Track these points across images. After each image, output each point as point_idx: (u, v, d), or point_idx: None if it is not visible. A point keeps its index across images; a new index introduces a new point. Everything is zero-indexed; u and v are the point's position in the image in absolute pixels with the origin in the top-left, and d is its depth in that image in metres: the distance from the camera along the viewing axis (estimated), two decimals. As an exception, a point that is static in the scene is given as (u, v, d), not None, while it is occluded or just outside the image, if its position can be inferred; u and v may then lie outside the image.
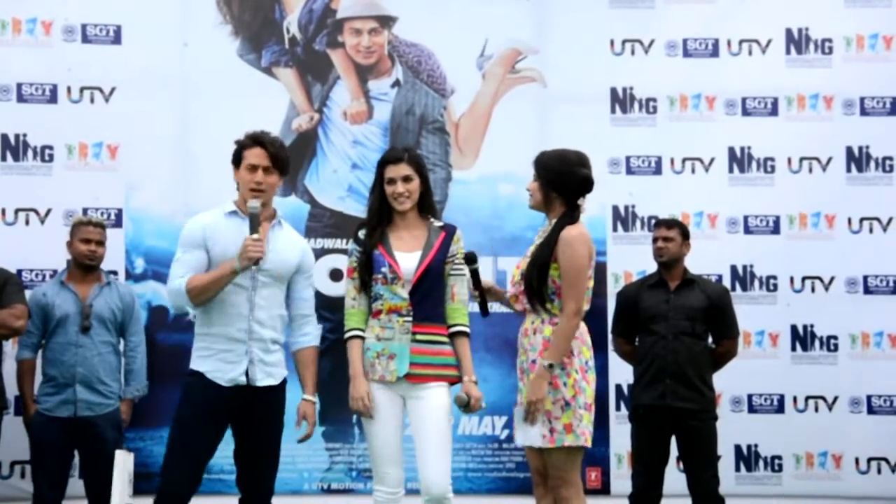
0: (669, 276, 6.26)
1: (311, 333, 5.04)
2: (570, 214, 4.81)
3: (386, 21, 7.03)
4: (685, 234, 6.32)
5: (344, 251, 6.59)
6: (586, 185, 4.85)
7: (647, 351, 6.19)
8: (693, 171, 7.07)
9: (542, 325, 4.80)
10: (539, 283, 4.76)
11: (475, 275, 4.94)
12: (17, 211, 6.66)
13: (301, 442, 4.99)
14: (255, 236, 4.74)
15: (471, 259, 4.94)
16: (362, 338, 4.89)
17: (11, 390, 6.05)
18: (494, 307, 6.68)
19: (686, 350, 6.11)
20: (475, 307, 4.98)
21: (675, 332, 6.12)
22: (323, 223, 6.84)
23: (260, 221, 4.79)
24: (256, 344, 4.86)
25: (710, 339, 6.28)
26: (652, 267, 6.45)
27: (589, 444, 4.76)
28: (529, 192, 4.90)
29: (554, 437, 4.71)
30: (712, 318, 6.22)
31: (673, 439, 6.20)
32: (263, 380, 4.87)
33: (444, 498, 4.74)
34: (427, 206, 4.96)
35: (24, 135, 6.71)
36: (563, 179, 4.81)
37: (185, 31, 6.90)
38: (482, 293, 4.96)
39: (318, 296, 6.49)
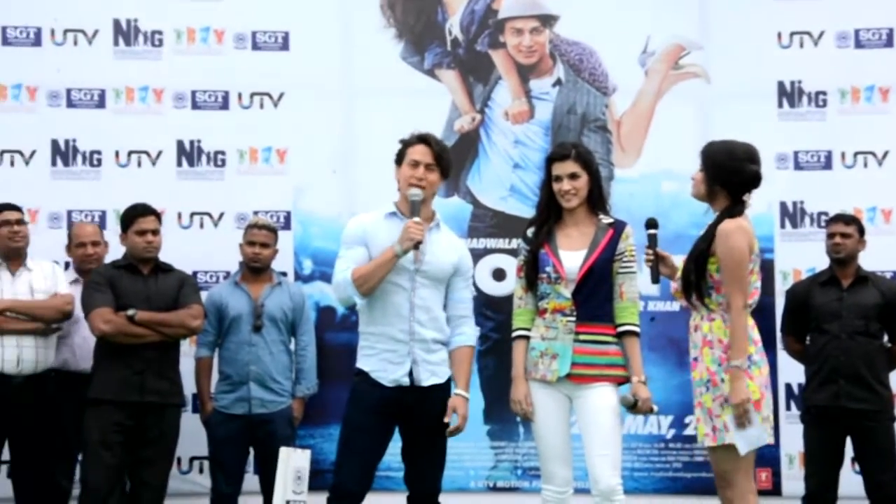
0: (843, 274, 6.10)
1: (466, 333, 5.04)
2: (732, 209, 4.73)
3: (547, 20, 7.02)
4: (862, 231, 6.18)
5: (506, 251, 6.66)
6: (754, 181, 4.77)
7: (820, 350, 6.05)
8: (865, 165, 6.89)
9: (701, 322, 4.74)
10: (697, 276, 4.70)
11: (652, 239, 4.92)
12: (191, 214, 6.87)
13: (451, 436, 4.94)
14: (416, 220, 4.79)
15: (651, 224, 4.94)
16: (528, 338, 4.90)
17: (189, 388, 6.25)
18: (658, 305, 6.70)
19: (860, 349, 5.96)
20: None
21: (848, 332, 5.98)
22: (485, 223, 6.88)
23: (420, 208, 4.85)
24: (418, 345, 4.90)
25: (885, 338, 6.10)
26: (821, 264, 6.31)
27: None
28: (693, 180, 4.84)
29: (716, 436, 4.66)
30: (888, 317, 6.06)
31: (848, 441, 6.05)
32: (428, 379, 4.91)
33: (612, 492, 4.70)
34: (596, 202, 4.93)
35: (199, 141, 6.91)
36: (729, 174, 4.73)
37: (350, 35, 7.02)
38: (656, 259, 4.91)
39: (482, 295, 6.61)
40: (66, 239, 6.47)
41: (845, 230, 6.13)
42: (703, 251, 4.70)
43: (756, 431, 4.62)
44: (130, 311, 5.74)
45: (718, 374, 4.66)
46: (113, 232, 6.43)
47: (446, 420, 4.90)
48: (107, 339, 5.76)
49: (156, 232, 5.93)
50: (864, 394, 5.95)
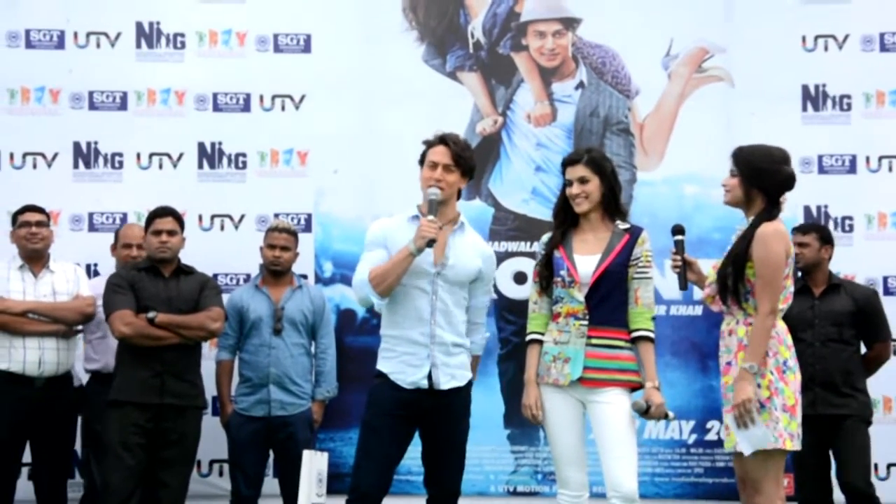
0: (813, 282, 6.11)
1: (476, 342, 5.06)
2: (770, 211, 4.72)
3: (570, 23, 7.00)
4: (824, 239, 6.16)
5: (527, 254, 6.64)
6: (790, 183, 4.77)
7: None
8: (890, 169, 6.85)
9: (736, 327, 4.71)
10: (735, 280, 4.66)
11: (680, 245, 4.90)
12: (212, 217, 6.87)
13: None
14: (431, 218, 4.78)
15: (678, 230, 4.93)
16: (541, 342, 4.88)
17: (209, 391, 6.23)
18: (680, 309, 6.68)
19: (834, 357, 5.98)
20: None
21: (822, 339, 5.99)
22: (507, 226, 6.86)
23: (438, 208, 4.83)
24: (438, 348, 4.88)
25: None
26: (844, 268, 6.34)
27: (789, 447, 4.65)
28: (726, 187, 4.80)
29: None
30: (861, 323, 6.07)
31: None
32: (447, 383, 4.89)
33: (633, 496, 4.67)
34: (612, 207, 4.91)
35: (220, 143, 6.92)
36: (767, 177, 4.73)
37: (372, 38, 7.01)
38: (684, 265, 4.89)
39: (502, 299, 6.61)
40: (113, 239, 6.48)
41: (802, 240, 6.11)
42: (741, 254, 4.67)
43: (760, 431, 4.58)
44: (151, 314, 5.74)
45: (755, 378, 4.62)
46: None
47: None
48: (127, 341, 5.77)
49: (172, 233, 5.92)
50: (839, 400, 5.96)
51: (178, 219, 6.00)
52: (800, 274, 6.17)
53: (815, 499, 6.05)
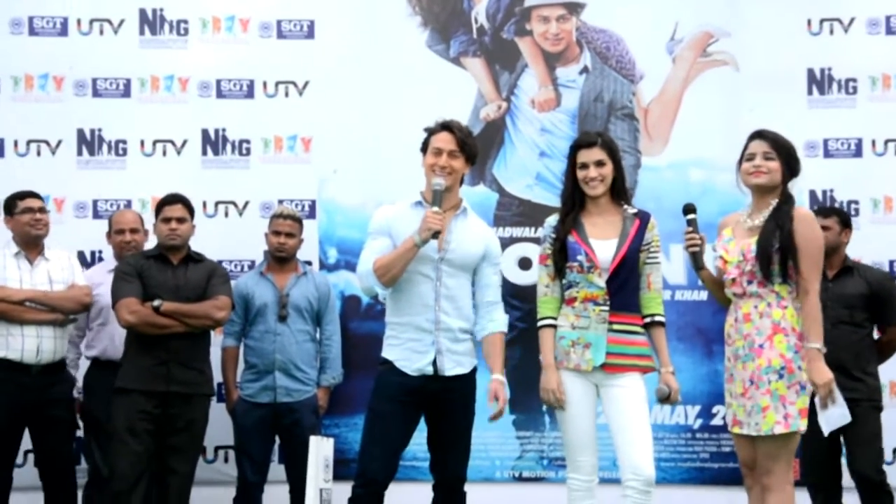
0: (828, 265, 6.04)
1: (497, 320, 4.99)
2: (792, 197, 4.82)
3: (574, 7, 6.97)
4: (844, 223, 6.13)
5: (532, 240, 6.61)
6: None
7: None
8: (896, 152, 6.82)
9: (768, 309, 4.73)
10: (784, 260, 4.69)
11: (693, 224, 4.91)
12: (216, 203, 6.86)
13: (492, 421, 4.88)
14: (436, 209, 4.78)
15: (689, 209, 4.94)
16: (555, 326, 4.87)
17: (215, 377, 6.20)
18: (685, 294, 6.66)
19: (845, 340, 5.91)
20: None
21: (833, 322, 5.92)
22: (511, 212, 6.84)
23: (443, 199, 4.82)
24: (444, 334, 4.88)
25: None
26: (850, 253, 6.26)
27: (802, 430, 4.73)
28: (762, 169, 4.81)
29: (788, 423, 4.67)
30: (874, 306, 6.04)
31: None
32: (452, 369, 4.89)
33: (652, 481, 4.68)
34: (620, 191, 4.91)
35: (224, 129, 6.91)
36: (797, 165, 4.86)
37: (376, 23, 6.99)
38: (702, 243, 4.89)
39: (507, 284, 6.55)
40: (107, 226, 6.47)
41: (823, 223, 6.04)
42: (788, 235, 4.71)
43: (840, 410, 4.70)
44: (156, 302, 5.73)
45: (795, 361, 4.67)
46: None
47: (489, 405, 4.85)
48: (132, 329, 5.76)
49: (181, 220, 5.91)
50: (848, 383, 5.86)
51: (188, 206, 5.99)
52: None
53: (823, 483, 6.02)
